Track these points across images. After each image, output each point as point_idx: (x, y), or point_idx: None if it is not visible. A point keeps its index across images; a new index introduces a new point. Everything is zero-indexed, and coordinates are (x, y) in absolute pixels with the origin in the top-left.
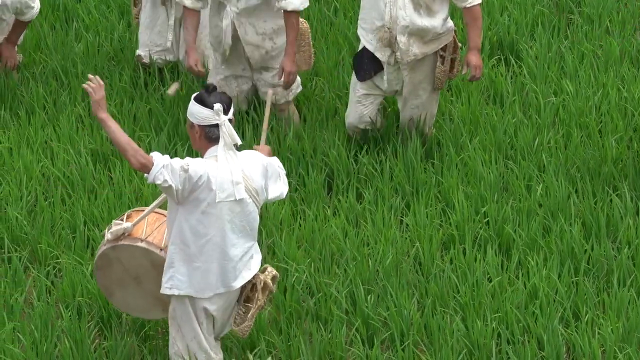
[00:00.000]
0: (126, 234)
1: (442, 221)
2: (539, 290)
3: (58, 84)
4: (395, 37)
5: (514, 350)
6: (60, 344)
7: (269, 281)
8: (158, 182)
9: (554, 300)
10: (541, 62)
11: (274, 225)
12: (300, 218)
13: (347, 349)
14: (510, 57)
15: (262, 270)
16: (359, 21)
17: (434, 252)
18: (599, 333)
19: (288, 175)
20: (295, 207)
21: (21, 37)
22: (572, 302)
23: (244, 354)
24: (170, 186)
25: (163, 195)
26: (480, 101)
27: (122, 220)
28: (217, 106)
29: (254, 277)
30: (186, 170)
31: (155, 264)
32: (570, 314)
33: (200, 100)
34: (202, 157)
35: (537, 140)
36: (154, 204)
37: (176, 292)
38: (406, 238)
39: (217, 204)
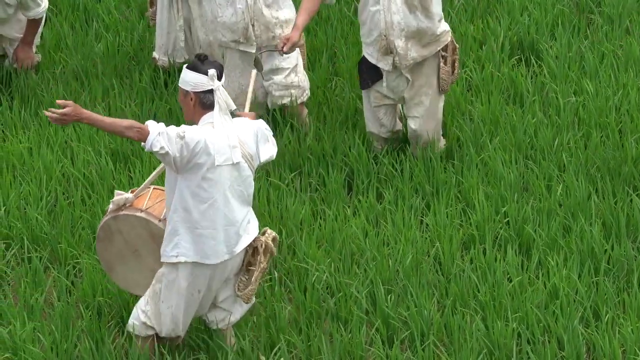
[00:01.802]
0: (127, 205)
1: (462, 221)
2: (559, 290)
3: (78, 84)
4: (394, 43)
5: (534, 350)
6: (80, 344)
7: (270, 242)
8: (155, 149)
9: (574, 300)
10: (561, 62)
11: (294, 225)
12: (321, 218)
13: (367, 349)
14: (531, 57)
15: (262, 233)
16: (361, 37)
17: (454, 252)
18: (619, 333)
19: (308, 175)
20: (316, 207)
21: (38, 38)
22: (593, 302)
23: (263, 353)
24: (167, 153)
25: (162, 165)
26: (500, 101)
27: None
28: (212, 71)
29: (254, 241)
30: (182, 137)
31: (154, 236)
32: (590, 314)
33: (194, 68)
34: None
35: (557, 140)
36: (154, 172)
37: (182, 259)
38: (426, 238)
39: (216, 169)
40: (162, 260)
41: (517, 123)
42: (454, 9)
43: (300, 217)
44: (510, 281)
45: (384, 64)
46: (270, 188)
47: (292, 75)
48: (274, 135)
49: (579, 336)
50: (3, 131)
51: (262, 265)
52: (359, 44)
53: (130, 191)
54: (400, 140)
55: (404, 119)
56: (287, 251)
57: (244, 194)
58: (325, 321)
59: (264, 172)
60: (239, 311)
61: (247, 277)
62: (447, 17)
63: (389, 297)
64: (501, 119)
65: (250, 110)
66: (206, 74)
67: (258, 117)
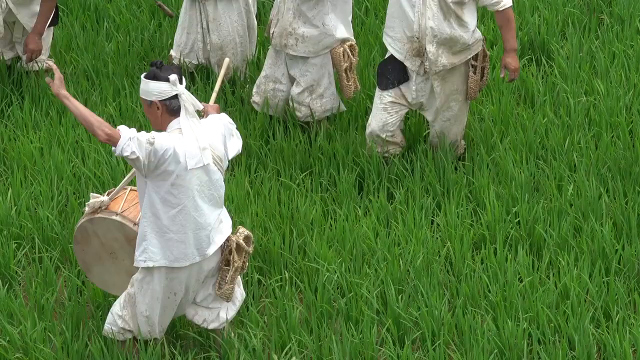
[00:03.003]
0: (103, 207)
1: (473, 221)
2: (570, 290)
3: (89, 84)
4: (425, 47)
5: (545, 350)
6: (91, 344)
7: (242, 242)
8: (126, 154)
9: (585, 300)
10: (572, 62)
11: (305, 225)
12: (331, 218)
13: (377, 349)
14: (541, 57)
15: (235, 232)
16: (385, 29)
17: (465, 252)
18: (630, 333)
19: (319, 175)
20: (327, 207)
21: (48, 37)
22: (603, 302)
23: (273, 353)
24: (137, 158)
25: (134, 170)
26: (511, 101)
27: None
28: (173, 77)
29: (227, 240)
30: (152, 143)
31: (130, 239)
32: (601, 314)
33: (154, 77)
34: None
35: (567, 140)
36: (127, 176)
37: (150, 264)
38: (437, 238)
39: (186, 175)
40: (134, 264)
41: (527, 123)
42: None
43: (311, 217)
44: (521, 281)
45: (411, 64)
46: (281, 188)
47: (305, 93)
48: (284, 135)
49: (589, 336)
50: (14, 131)
51: (236, 264)
52: (370, 43)
53: (106, 193)
54: (411, 140)
55: (408, 122)
56: (298, 251)
57: (215, 196)
58: (336, 321)
59: (274, 172)
60: (232, 309)
61: (223, 277)
62: None
63: (399, 297)
64: (512, 119)
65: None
66: (168, 80)
67: (222, 110)
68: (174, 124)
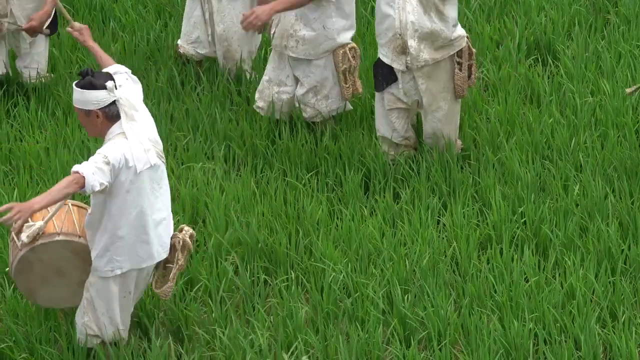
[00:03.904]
0: (40, 233)
1: (479, 221)
2: (576, 290)
3: None
4: (407, 43)
5: (551, 350)
6: (97, 344)
7: (188, 240)
8: (97, 189)
9: (591, 301)
10: (578, 62)
11: (311, 225)
12: (338, 218)
13: (384, 349)
14: (547, 57)
15: (179, 230)
16: (376, 38)
17: (471, 252)
18: (636, 333)
19: (325, 175)
20: (333, 207)
21: (45, 48)
22: (609, 302)
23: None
24: (107, 186)
25: (57, 206)
26: (517, 101)
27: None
28: (110, 84)
29: (172, 238)
30: (108, 162)
31: (77, 251)
32: (607, 314)
33: (90, 86)
34: (103, 139)
35: (574, 140)
36: (53, 210)
37: (119, 272)
38: (443, 238)
39: (137, 178)
40: (97, 275)
41: (533, 123)
42: (471, 8)
43: (317, 217)
44: (527, 281)
45: (399, 64)
46: (287, 188)
47: (309, 94)
48: (290, 134)
49: (595, 336)
50: (20, 131)
51: (179, 262)
52: (376, 44)
53: (34, 218)
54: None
55: (417, 124)
56: (304, 251)
57: (163, 189)
58: (342, 321)
59: (280, 172)
60: None
61: (164, 274)
62: (464, 17)
63: (405, 297)
64: (518, 119)
65: None
66: (104, 87)
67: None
68: (115, 129)
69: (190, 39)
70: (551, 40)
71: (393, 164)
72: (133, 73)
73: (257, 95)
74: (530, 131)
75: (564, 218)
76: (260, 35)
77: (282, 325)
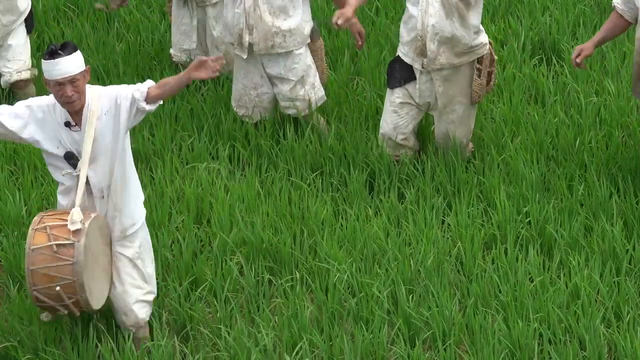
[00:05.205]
0: (84, 215)
1: (483, 221)
2: (580, 290)
3: (99, 84)
4: (426, 45)
5: (556, 350)
6: (102, 344)
7: None
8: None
9: (596, 301)
10: (582, 62)
11: (315, 225)
12: (342, 218)
13: (389, 349)
14: (552, 56)
15: None
16: (400, 37)
17: (475, 252)
18: None
19: (330, 175)
20: (337, 207)
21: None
22: (614, 302)
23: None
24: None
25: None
26: (521, 101)
27: (63, 219)
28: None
29: None
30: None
31: (102, 229)
32: (612, 314)
33: (74, 49)
34: (82, 105)
35: (578, 140)
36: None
37: (144, 217)
38: (448, 238)
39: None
40: (135, 229)
41: (538, 123)
42: None
43: (321, 217)
44: (532, 281)
45: (419, 64)
46: (291, 188)
47: (297, 87)
48: (295, 134)
49: (600, 336)
50: None
51: None
52: (380, 44)
53: (38, 219)
54: (421, 140)
55: (419, 130)
56: (309, 251)
57: None
58: (347, 321)
59: (285, 172)
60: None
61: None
62: None
63: (410, 297)
64: (522, 118)
65: None
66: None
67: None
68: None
69: (182, 48)
70: (556, 40)
71: (397, 164)
72: (137, 73)
73: (234, 104)
74: (535, 131)
75: (568, 218)
76: None
77: (286, 325)
